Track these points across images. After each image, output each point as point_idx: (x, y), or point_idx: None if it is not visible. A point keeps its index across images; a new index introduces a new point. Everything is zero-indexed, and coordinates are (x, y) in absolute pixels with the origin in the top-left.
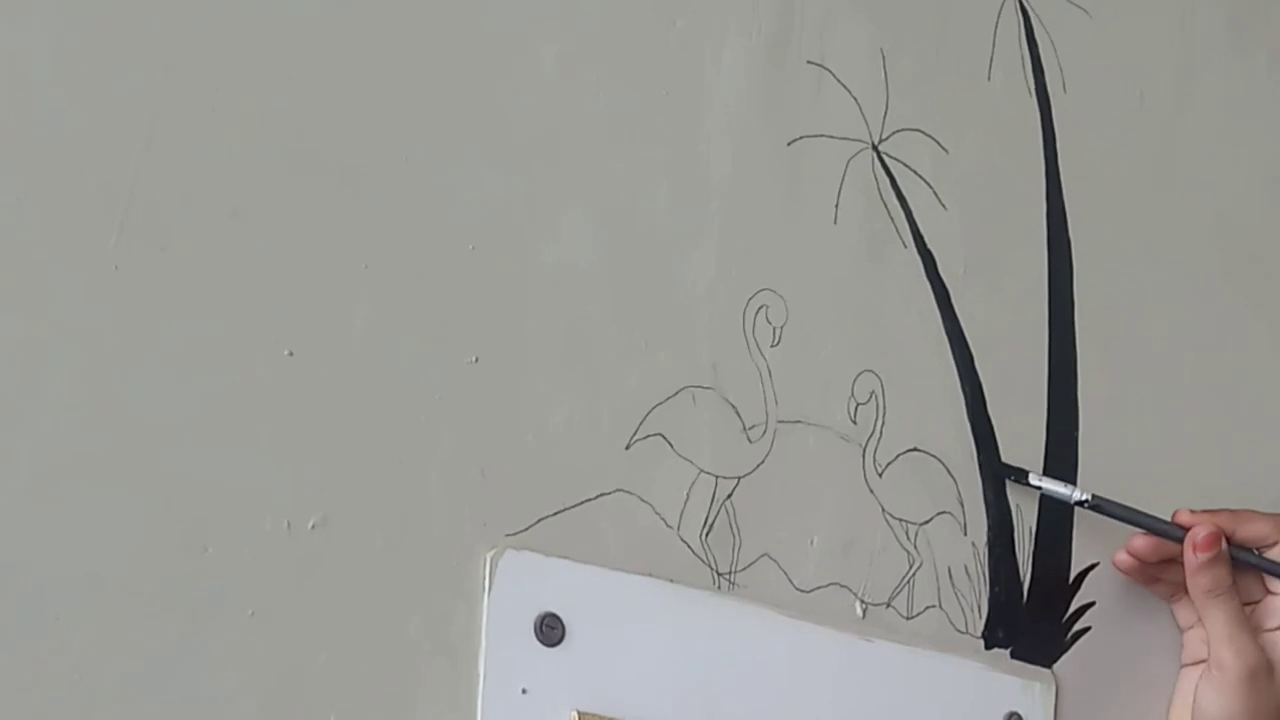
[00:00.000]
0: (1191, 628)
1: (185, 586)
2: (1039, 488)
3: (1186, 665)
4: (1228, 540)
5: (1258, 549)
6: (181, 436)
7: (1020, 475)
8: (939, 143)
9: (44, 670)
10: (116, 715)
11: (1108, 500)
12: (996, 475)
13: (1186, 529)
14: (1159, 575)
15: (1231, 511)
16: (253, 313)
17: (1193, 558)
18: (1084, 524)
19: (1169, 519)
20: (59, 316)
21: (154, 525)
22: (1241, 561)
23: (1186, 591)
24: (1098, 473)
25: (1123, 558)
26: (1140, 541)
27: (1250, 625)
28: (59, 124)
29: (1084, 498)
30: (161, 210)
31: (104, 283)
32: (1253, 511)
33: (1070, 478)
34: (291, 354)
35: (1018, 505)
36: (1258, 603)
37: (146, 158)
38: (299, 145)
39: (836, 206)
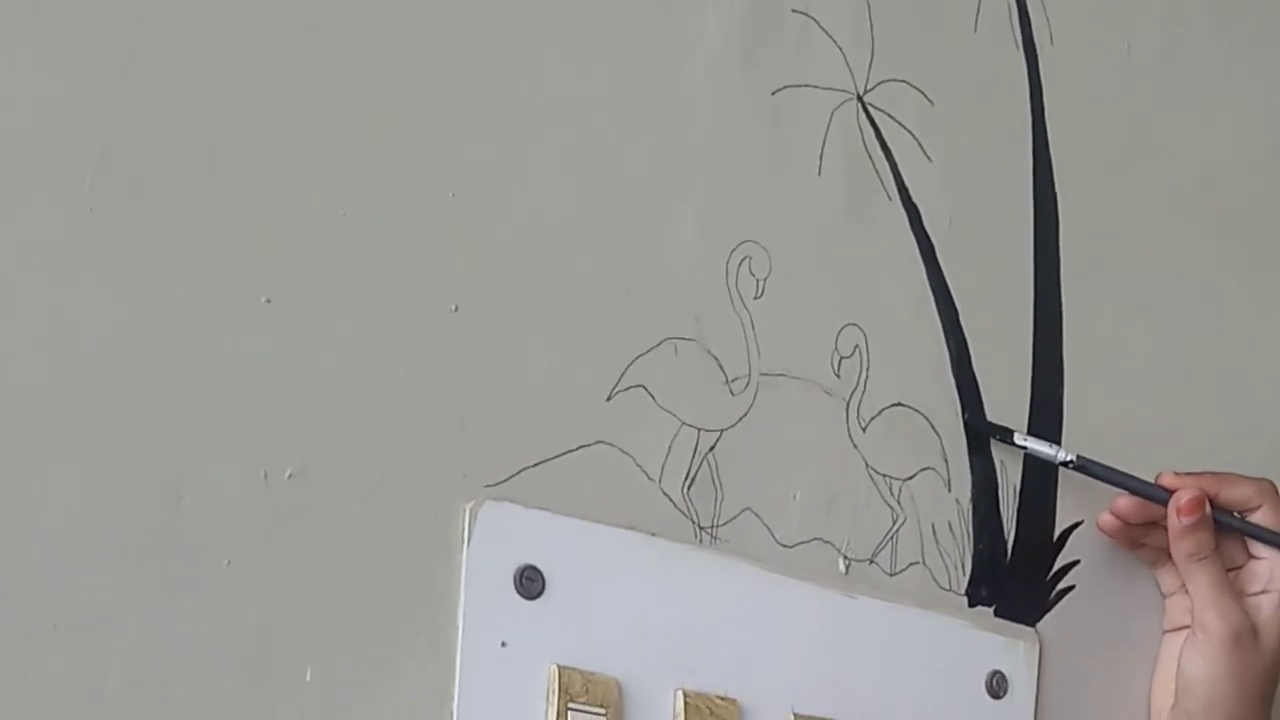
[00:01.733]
0: (1174, 594)
1: (160, 536)
2: (1024, 447)
3: (1169, 631)
4: (1211, 503)
5: (1240, 512)
6: (156, 383)
7: (1005, 434)
8: (925, 94)
9: (21, 621)
10: (93, 665)
11: (1092, 461)
12: (981, 433)
13: (1171, 491)
14: (1142, 539)
15: (1215, 474)
16: (229, 258)
17: (1176, 521)
18: (1068, 482)
19: (1153, 480)
20: (31, 261)
21: (128, 473)
22: (1225, 525)
23: (1170, 557)
24: (1083, 427)
25: (1107, 519)
26: (1124, 502)
27: (1234, 589)
28: (30, 66)
29: (1069, 458)
30: (136, 153)
31: (79, 226)
32: (1236, 475)
33: (1055, 434)
34: (269, 301)
35: (1002, 462)
36: (1240, 567)
37: (120, 99)
38: (277, 90)
39: (821, 158)
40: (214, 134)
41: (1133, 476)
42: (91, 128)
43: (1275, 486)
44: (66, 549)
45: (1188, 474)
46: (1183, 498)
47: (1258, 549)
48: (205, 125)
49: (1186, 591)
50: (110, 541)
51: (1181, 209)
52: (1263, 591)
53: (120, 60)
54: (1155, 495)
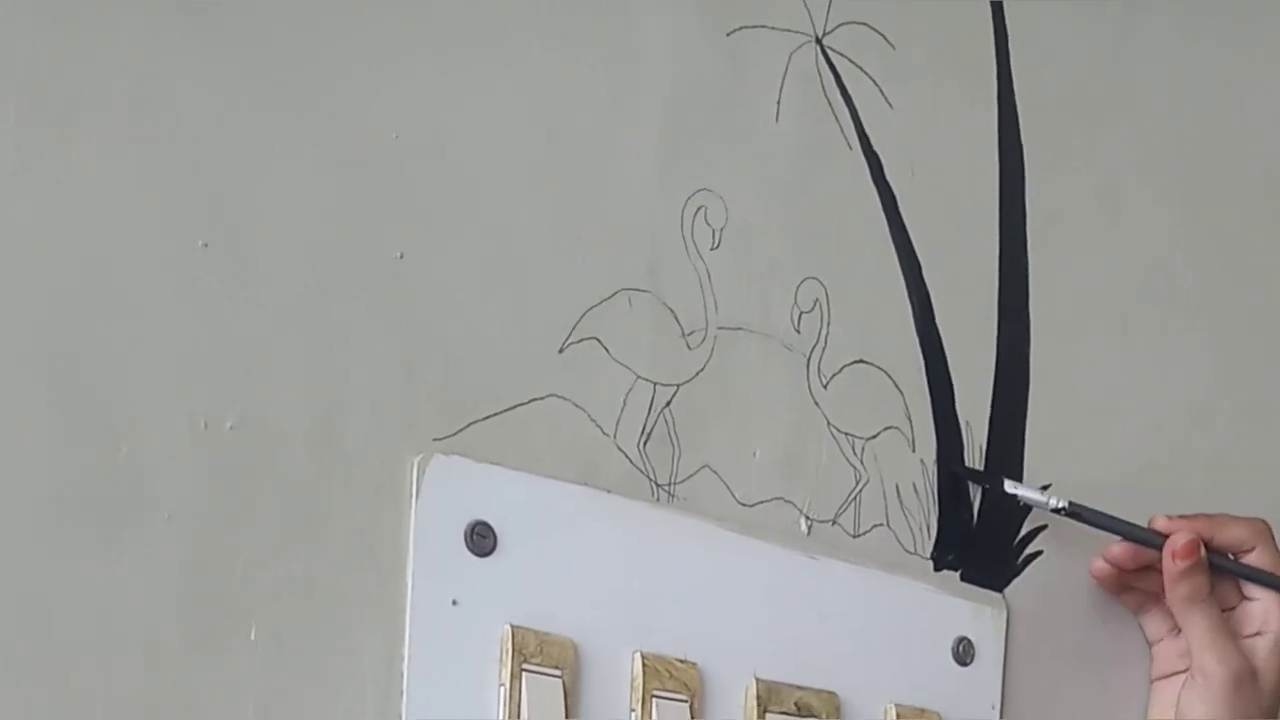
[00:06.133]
0: (1161, 640)
1: (97, 489)
2: (1014, 495)
3: (1159, 679)
4: (1205, 546)
5: (1234, 554)
6: (91, 330)
7: (992, 480)
8: (886, 38)
9: None
10: (25, 621)
11: (1085, 507)
12: (969, 480)
13: (1164, 536)
14: (1131, 584)
15: (1208, 516)
16: (164, 199)
17: (1172, 565)
18: (1036, 445)
19: (1138, 517)
20: None
21: (64, 424)
22: (1218, 567)
23: (1155, 603)
24: (1048, 389)
25: (1099, 565)
26: (1118, 549)
27: (1231, 632)
28: None
29: (1061, 505)
30: (64, 85)
31: (4, 164)
32: (1229, 516)
33: (1022, 393)
34: (206, 245)
35: (967, 422)
36: (1233, 609)
37: (46, 28)
38: (214, 22)
39: (778, 103)
40: (146, 67)
41: (1126, 522)
42: (14, 59)
43: (1269, 527)
44: None
45: (1181, 517)
46: (1178, 541)
47: (1251, 590)
48: (137, 57)
49: (1176, 637)
50: (45, 494)
51: (1149, 158)
52: (1258, 633)
53: None
54: (1149, 540)
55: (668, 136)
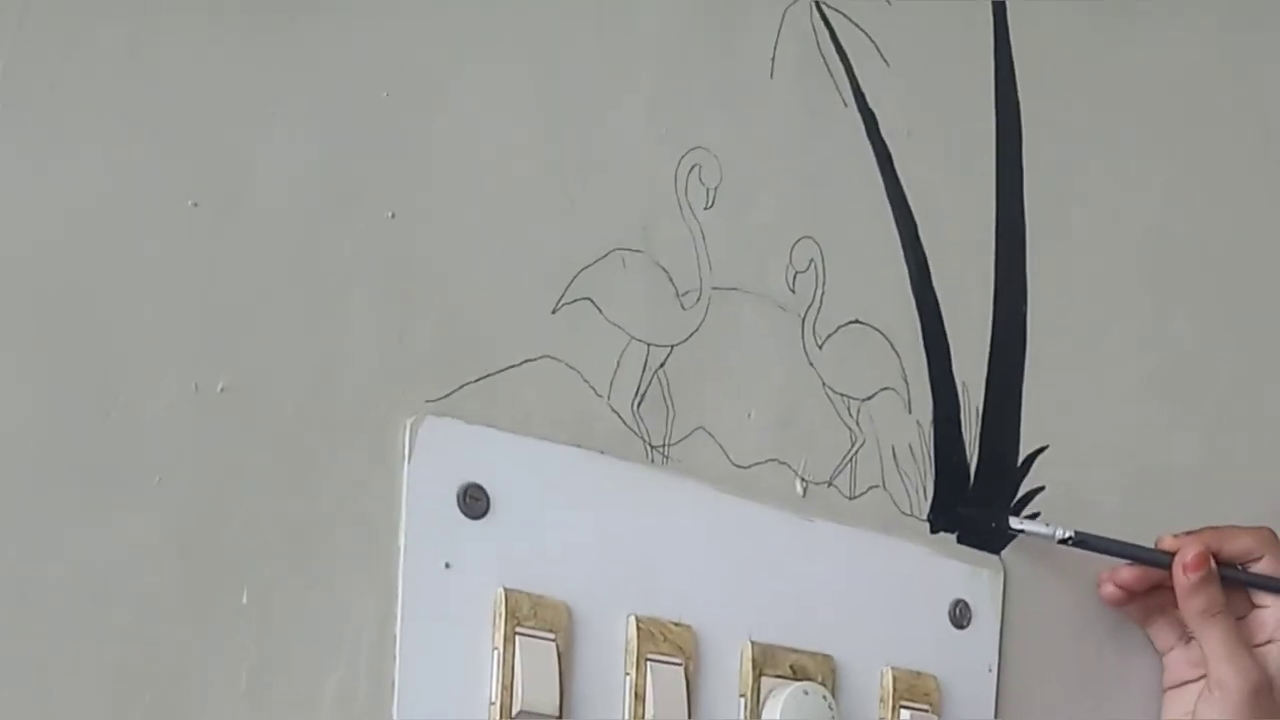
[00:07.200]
0: (1171, 649)
1: (86, 453)
2: (1020, 531)
3: (1171, 688)
4: (1214, 558)
5: (1242, 564)
6: (79, 292)
7: (1000, 520)
8: None
9: None
10: (14, 587)
11: (1091, 535)
12: (974, 521)
13: (1171, 554)
14: (1141, 600)
15: (1214, 529)
16: (153, 158)
17: (1184, 579)
18: (1033, 404)
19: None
20: None
21: (52, 387)
22: (1228, 578)
23: (1161, 614)
24: (1044, 352)
25: (1110, 590)
26: (1127, 573)
27: (1246, 643)
28: None
29: (1067, 535)
30: (51, 43)
31: None
32: (1235, 527)
33: (1019, 355)
34: (196, 205)
35: (964, 383)
36: (1243, 618)
37: None
38: None
39: (773, 60)
40: (136, 22)
41: (1132, 545)
42: (2, 12)
43: (1275, 534)
44: None
45: (1186, 533)
46: (1188, 554)
47: (1260, 598)
48: (125, 12)
49: (1185, 645)
50: (34, 458)
51: (1150, 115)
52: (1269, 641)
53: None
54: (1157, 560)
55: (661, 94)
